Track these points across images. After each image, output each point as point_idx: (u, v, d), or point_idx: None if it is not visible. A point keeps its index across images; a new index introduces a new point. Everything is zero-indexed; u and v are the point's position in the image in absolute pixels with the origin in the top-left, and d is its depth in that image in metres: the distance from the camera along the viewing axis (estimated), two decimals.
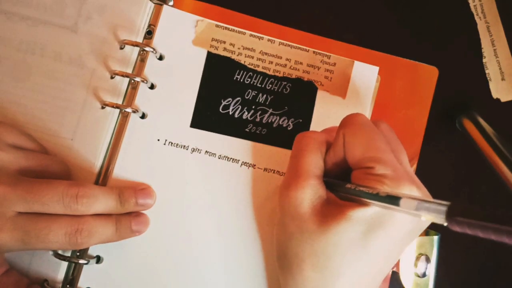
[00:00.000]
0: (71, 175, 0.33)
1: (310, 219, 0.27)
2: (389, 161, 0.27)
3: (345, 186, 0.27)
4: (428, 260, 0.34)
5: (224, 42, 0.35)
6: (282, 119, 0.34)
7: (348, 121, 0.29)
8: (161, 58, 0.35)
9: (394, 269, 0.34)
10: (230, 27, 0.35)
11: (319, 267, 0.27)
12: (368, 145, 0.27)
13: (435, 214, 0.20)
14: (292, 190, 0.28)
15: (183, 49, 0.35)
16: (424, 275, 0.34)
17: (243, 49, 0.35)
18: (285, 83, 0.35)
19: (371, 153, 0.27)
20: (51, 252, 0.32)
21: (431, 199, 0.21)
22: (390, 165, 0.26)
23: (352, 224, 0.26)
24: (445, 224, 0.20)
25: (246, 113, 0.34)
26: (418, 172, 0.36)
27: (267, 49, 0.35)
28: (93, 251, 0.33)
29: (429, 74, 0.37)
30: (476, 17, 0.38)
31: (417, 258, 0.34)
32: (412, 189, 0.26)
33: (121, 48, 0.34)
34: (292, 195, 0.28)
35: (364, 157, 0.27)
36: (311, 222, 0.27)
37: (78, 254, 0.33)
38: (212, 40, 0.35)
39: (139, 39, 0.35)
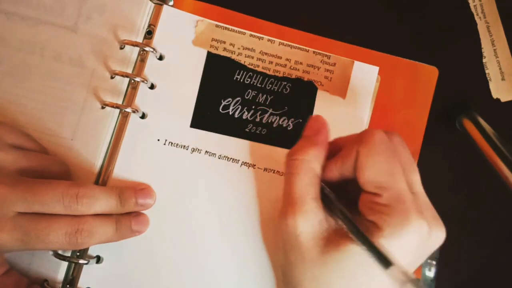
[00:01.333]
0: (71, 175, 0.33)
1: (312, 248, 0.27)
2: (400, 190, 0.26)
3: (339, 223, 0.26)
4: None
5: (224, 42, 0.35)
6: (282, 119, 0.34)
7: (365, 139, 0.27)
8: (161, 58, 0.35)
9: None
10: (230, 27, 0.35)
11: None
12: (381, 170, 0.26)
13: None
14: (290, 218, 0.27)
15: (183, 49, 0.35)
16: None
17: (243, 49, 0.35)
18: (285, 83, 0.35)
19: (382, 178, 0.26)
20: (51, 252, 0.32)
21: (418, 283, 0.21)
22: (399, 195, 0.26)
23: (351, 256, 0.26)
24: None
25: (246, 113, 0.34)
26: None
27: (267, 49, 0.35)
28: (93, 251, 0.33)
29: (429, 74, 0.37)
30: (476, 17, 0.38)
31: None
32: (420, 224, 0.25)
33: (121, 48, 0.34)
34: (291, 224, 0.27)
35: (375, 181, 0.26)
36: (312, 251, 0.26)
37: (78, 254, 0.33)
38: (212, 40, 0.35)
39: (139, 39, 0.35)
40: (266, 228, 0.33)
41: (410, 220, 0.25)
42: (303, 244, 0.27)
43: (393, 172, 0.26)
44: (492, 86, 0.38)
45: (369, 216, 0.26)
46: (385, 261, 0.23)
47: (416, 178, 0.28)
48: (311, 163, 0.28)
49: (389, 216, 0.25)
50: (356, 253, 0.25)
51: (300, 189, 0.28)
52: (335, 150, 0.30)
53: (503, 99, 0.38)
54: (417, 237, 0.25)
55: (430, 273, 0.33)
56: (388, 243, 0.25)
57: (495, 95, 0.38)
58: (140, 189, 0.33)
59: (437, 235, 0.26)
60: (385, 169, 0.26)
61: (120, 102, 0.34)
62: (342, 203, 0.27)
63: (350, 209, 0.27)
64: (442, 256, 0.35)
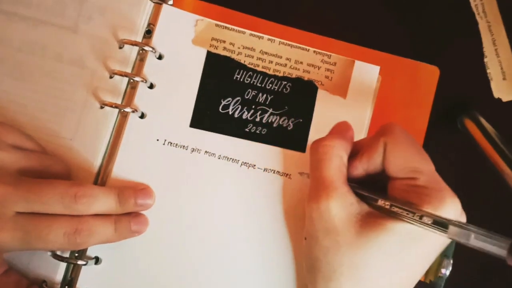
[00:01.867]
0: (71, 175, 0.33)
1: (348, 231, 0.27)
2: (431, 172, 0.27)
3: (378, 204, 0.27)
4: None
5: (224, 42, 0.35)
6: (282, 119, 0.34)
7: (389, 129, 0.28)
8: (160, 57, 0.34)
9: None
10: (230, 26, 0.35)
11: (357, 279, 0.27)
12: (411, 156, 0.27)
13: (490, 246, 0.22)
14: (323, 202, 0.27)
15: (182, 48, 0.34)
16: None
17: (243, 48, 0.35)
18: (285, 82, 0.35)
19: (415, 163, 0.27)
20: (49, 253, 0.32)
21: (491, 232, 0.22)
22: (433, 177, 0.27)
23: (392, 236, 0.26)
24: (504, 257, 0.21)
25: (246, 113, 0.34)
26: None
27: (267, 48, 0.35)
28: (91, 252, 0.33)
29: (430, 73, 0.37)
30: (477, 17, 0.38)
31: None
32: (455, 201, 0.26)
33: (120, 48, 0.34)
34: (324, 208, 0.27)
35: (407, 166, 0.27)
36: (348, 234, 0.27)
37: (76, 255, 0.33)
38: (211, 40, 0.35)
39: (139, 39, 0.34)
40: (266, 228, 0.33)
41: (448, 198, 0.26)
42: (338, 226, 0.27)
43: (424, 156, 0.28)
44: (493, 85, 0.38)
45: (405, 199, 0.26)
46: (442, 222, 0.24)
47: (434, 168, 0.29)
48: (339, 150, 0.29)
49: (428, 195, 0.26)
50: (393, 231, 0.26)
51: (331, 173, 0.28)
52: (353, 152, 0.30)
53: (504, 99, 0.38)
54: (454, 215, 0.26)
55: (446, 271, 0.33)
56: None
57: (496, 94, 0.38)
58: (140, 189, 0.33)
59: (464, 218, 0.27)
60: (417, 154, 0.27)
61: (119, 102, 0.34)
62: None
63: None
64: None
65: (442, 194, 0.26)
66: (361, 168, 0.29)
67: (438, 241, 0.27)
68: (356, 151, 0.30)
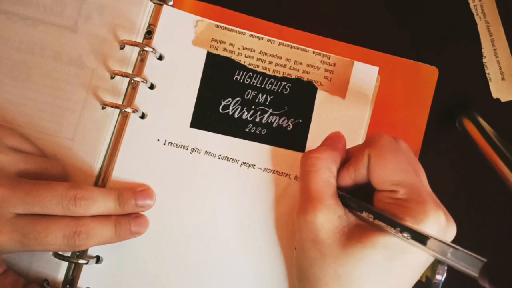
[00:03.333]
0: (71, 175, 0.33)
1: (333, 243, 0.27)
2: (415, 184, 0.27)
3: (363, 215, 0.27)
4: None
5: (224, 42, 0.35)
6: (282, 119, 0.34)
7: (374, 141, 0.28)
8: (160, 58, 0.35)
9: None
10: (230, 27, 0.35)
11: None
12: (394, 168, 0.27)
13: (465, 264, 0.21)
14: (310, 214, 0.27)
15: (183, 49, 0.34)
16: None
17: (243, 49, 0.35)
18: (285, 83, 0.35)
19: (397, 176, 0.27)
20: (51, 252, 0.32)
21: (466, 251, 0.22)
22: (415, 189, 0.26)
23: (377, 248, 0.26)
24: (476, 277, 0.21)
25: (246, 113, 0.34)
26: None
27: (267, 49, 0.35)
28: (92, 251, 0.33)
29: (429, 74, 0.37)
30: (476, 17, 0.38)
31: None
32: (439, 213, 0.26)
33: (121, 48, 0.34)
34: (310, 220, 0.27)
35: (390, 179, 0.27)
36: (334, 246, 0.27)
37: (78, 254, 0.33)
38: (212, 40, 0.35)
39: (139, 39, 0.34)
40: (266, 228, 0.33)
41: (429, 210, 0.25)
42: (324, 239, 0.27)
43: (406, 168, 0.27)
44: (492, 86, 0.38)
45: (389, 211, 0.26)
46: (420, 237, 0.23)
47: (424, 177, 0.29)
48: (328, 162, 0.29)
49: (408, 208, 0.26)
50: (378, 244, 0.26)
51: (318, 186, 0.28)
52: (346, 160, 0.30)
53: (503, 99, 0.38)
54: (436, 228, 0.26)
55: (441, 277, 0.33)
56: None
57: (495, 95, 0.38)
58: (140, 190, 0.33)
59: (452, 230, 0.27)
60: (398, 167, 0.27)
61: (120, 102, 0.34)
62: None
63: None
64: None
65: (424, 207, 0.25)
66: (349, 179, 0.29)
67: (424, 254, 0.26)
68: (347, 160, 0.30)
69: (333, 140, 0.31)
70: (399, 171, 0.27)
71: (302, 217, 0.28)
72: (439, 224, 0.26)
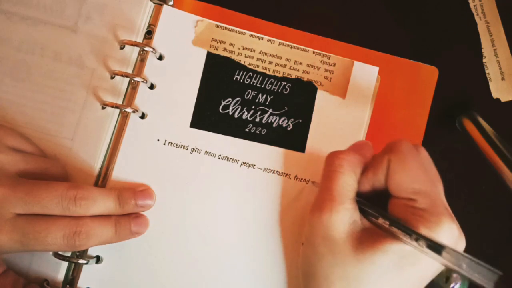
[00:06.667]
0: (71, 175, 0.33)
1: (345, 244, 0.27)
2: (432, 195, 0.27)
3: (378, 221, 0.27)
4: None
5: (224, 42, 0.35)
6: (282, 119, 0.34)
7: (395, 148, 0.28)
8: (161, 58, 0.35)
9: None
10: (230, 27, 0.35)
11: None
12: (414, 176, 0.27)
13: (479, 276, 0.21)
14: (326, 213, 0.27)
15: (183, 49, 0.34)
16: None
17: (243, 49, 0.35)
18: (285, 83, 0.35)
19: (416, 185, 0.27)
20: (51, 252, 0.32)
21: (482, 263, 0.22)
22: (432, 200, 0.26)
23: (388, 255, 0.26)
24: None
25: (246, 113, 0.34)
26: None
27: (267, 49, 0.35)
28: (92, 251, 0.33)
29: (429, 74, 0.37)
30: (476, 17, 0.38)
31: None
32: (452, 227, 0.26)
33: (121, 48, 0.34)
34: (326, 218, 0.27)
35: (408, 187, 0.27)
36: (345, 247, 0.27)
37: (78, 254, 0.33)
38: (212, 40, 0.35)
39: (139, 39, 0.35)
40: (266, 228, 0.33)
41: (444, 222, 0.25)
42: (336, 239, 0.27)
43: (426, 178, 0.27)
44: (492, 86, 0.38)
45: (403, 219, 0.26)
46: (437, 247, 0.23)
47: (441, 188, 0.29)
48: (355, 166, 0.29)
49: (423, 218, 0.26)
50: (390, 251, 0.26)
51: (341, 187, 0.28)
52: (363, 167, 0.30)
53: (503, 99, 0.38)
54: (449, 240, 0.26)
55: (456, 285, 0.33)
56: None
57: (495, 95, 0.38)
58: (140, 190, 0.33)
59: (462, 243, 0.27)
60: (418, 175, 0.27)
61: (120, 102, 0.34)
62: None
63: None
64: None
65: (440, 219, 0.26)
66: (367, 184, 0.29)
67: (434, 264, 0.27)
68: (365, 166, 0.30)
69: (362, 147, 0.31)
70: (419, 180, 0.27)
71: (317, 214, 0.28)
72: (452, 237, 0.26)
